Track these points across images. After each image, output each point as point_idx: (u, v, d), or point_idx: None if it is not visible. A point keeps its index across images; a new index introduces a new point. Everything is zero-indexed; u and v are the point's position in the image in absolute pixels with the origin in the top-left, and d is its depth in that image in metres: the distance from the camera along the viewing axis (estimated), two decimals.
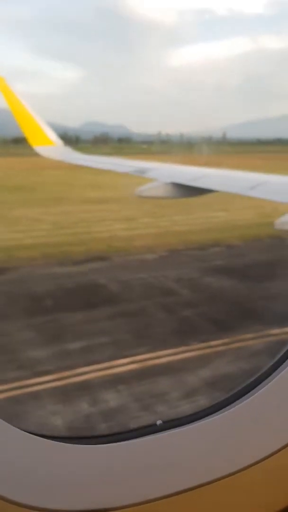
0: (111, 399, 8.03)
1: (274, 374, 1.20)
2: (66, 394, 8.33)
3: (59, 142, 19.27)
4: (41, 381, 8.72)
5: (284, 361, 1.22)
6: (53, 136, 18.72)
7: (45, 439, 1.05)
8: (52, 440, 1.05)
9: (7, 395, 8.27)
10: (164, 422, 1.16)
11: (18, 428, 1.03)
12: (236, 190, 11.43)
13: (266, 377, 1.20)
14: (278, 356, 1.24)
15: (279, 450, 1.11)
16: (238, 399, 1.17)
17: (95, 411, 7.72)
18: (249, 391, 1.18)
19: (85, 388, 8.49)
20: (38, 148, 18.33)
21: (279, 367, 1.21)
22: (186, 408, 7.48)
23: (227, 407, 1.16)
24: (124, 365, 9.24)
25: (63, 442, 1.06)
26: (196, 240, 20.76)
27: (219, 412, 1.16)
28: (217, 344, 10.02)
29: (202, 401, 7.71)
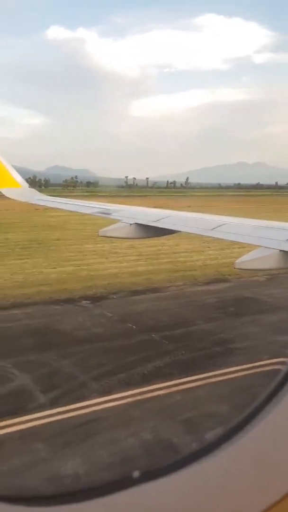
0: None
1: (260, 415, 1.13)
2: None
3: (25, 184, 18.92)
4: None
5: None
6: (19, 178, 18.42)
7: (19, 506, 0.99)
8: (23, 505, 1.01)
9: None
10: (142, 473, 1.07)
11: None
12: (197, 231, 12.04)
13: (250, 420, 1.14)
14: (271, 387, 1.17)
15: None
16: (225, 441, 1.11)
17: None
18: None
19: None
20: (4, 190, 18.00)
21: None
22: None
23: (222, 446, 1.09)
24: None
25: (42, 504, 1.02)
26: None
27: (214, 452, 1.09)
28: None
29: None
